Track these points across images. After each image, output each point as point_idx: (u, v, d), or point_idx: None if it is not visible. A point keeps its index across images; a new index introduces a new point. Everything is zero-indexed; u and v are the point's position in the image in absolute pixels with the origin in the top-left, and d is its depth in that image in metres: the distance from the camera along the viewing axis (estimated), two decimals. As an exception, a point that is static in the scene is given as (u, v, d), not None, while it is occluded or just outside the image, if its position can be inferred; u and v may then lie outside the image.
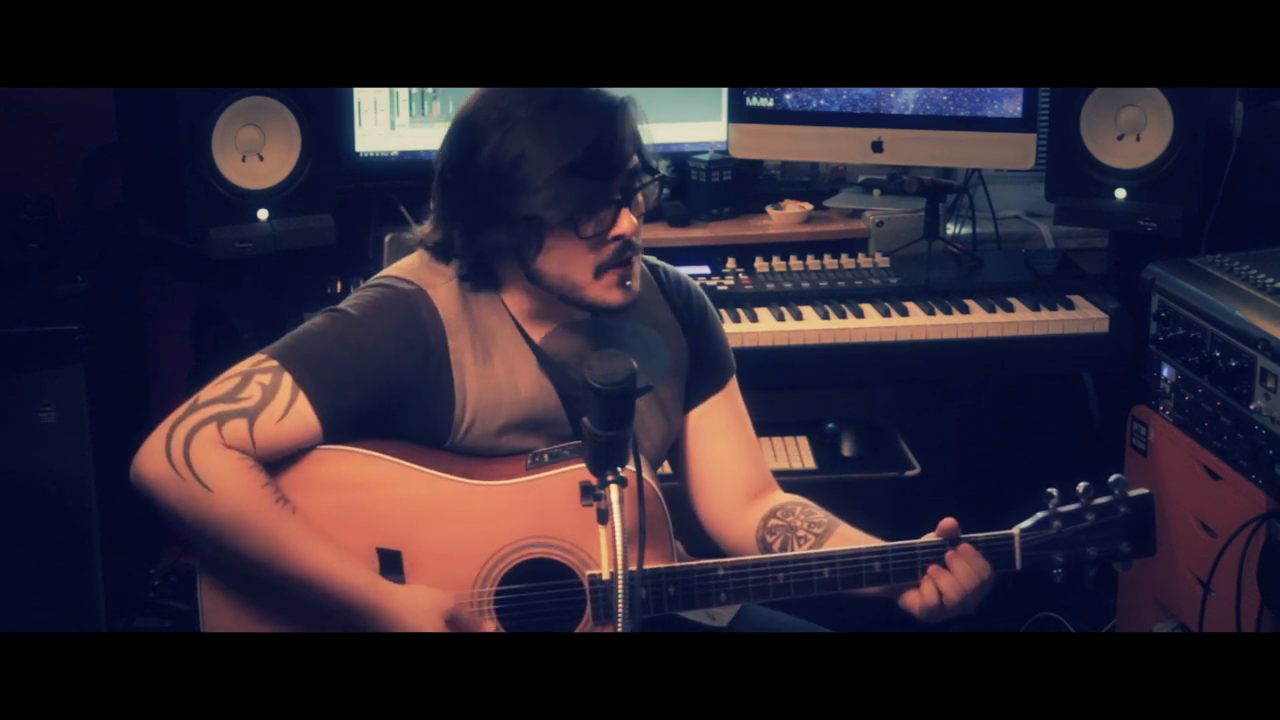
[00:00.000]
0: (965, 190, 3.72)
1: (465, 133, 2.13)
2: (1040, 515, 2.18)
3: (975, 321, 3.23)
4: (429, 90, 3.51)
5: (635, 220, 2.14)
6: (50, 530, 3.06)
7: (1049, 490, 2.18)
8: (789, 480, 2.51)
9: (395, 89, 3.48)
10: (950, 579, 2.14)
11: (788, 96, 3.51)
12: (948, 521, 2.15)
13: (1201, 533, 2.85)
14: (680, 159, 3.60)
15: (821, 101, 3.50)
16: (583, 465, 1.98)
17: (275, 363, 2.12)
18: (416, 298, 2.18)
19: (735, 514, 2.35)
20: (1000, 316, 3.25)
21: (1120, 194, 3.29)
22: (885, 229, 3.57)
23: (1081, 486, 2.17)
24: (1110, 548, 2.17)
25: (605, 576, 2.09)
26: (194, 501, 2.06)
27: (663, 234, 3.52)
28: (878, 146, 3.48)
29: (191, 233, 3.18)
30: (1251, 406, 2.70)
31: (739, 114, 3.56)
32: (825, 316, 3.23)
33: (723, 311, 3.09)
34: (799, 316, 3.22)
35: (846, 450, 3.33)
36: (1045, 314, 3.25)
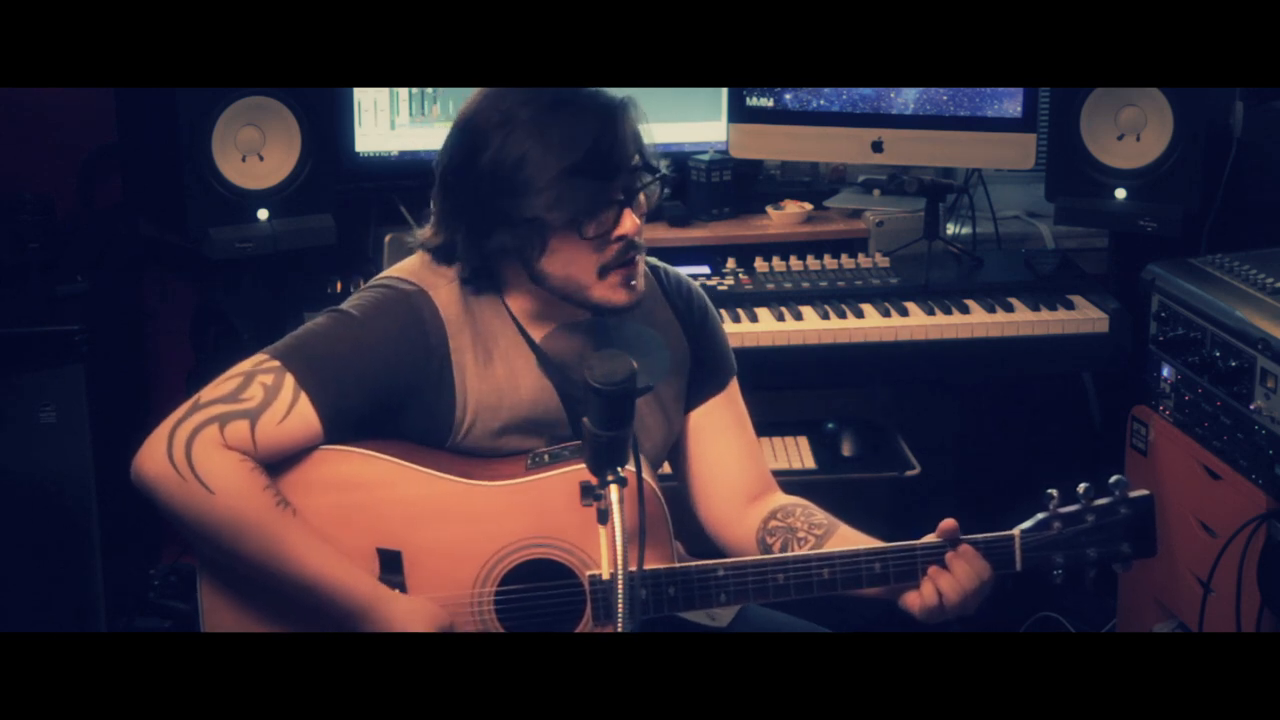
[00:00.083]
0: (965, 190, 3.71)
1: (466, 136, 2.13)
2: (1040, 516, 2.17)
3: (975, 321, 3.23)
4: (429, 91, 3.50)
5: (638, 220, 2.14)
6: (50, 530, 3.06)
7: (1049, 491, 2.18)
8: (789, 480, 2.51)
9: (395, 89, 3.48)
10: (950, 580, 2.14)
11: (788, 96, 3.51)
12: (948, 522, 2.15)
13: (1201, 533, 2.85)
14: (680, 159, 3.60)
15: (821, 101, 3.50)
16: (583, 465, 1.98)
17: (277, 363, 2.12)
18: (418, 298, 2.18)
19: (735, 515, 2.34)
20: (1000, 316, 3.24)
21: (1120, 194, 3.29)
22: (885, 229, 3.57)
23: (1082, 487, 2.16)
24: (1110, 549, 2.17)
25: (605, 577, 2.09)
26: (195, 503, 2.06)
27: (663, 234, 3.52)
28: (878, 146, 3.48)
29: (191, 233, 3.18)
30: (1251, 406, 2.69)
31: (739, 114, 3.56)
32: (825, 316, 3.23)
33: (723, 311, 3.09)
34: (799, 316, 3.22)
35: (846, 450, 3.33)
36: (1045, 314, 3.25)
